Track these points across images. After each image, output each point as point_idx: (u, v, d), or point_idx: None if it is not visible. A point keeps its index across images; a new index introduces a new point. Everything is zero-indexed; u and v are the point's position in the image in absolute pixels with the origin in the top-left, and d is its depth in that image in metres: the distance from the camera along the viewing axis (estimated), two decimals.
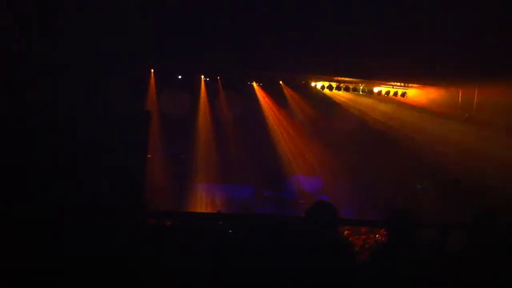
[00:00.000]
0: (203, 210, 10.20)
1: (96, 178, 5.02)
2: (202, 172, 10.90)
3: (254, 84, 11.09)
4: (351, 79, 10.33)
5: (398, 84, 10.43)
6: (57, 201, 3.65)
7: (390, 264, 2.98)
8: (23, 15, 5.77)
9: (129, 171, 5.65)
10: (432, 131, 9.71)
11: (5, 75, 5.56)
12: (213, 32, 7.63)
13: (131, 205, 3.20)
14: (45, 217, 3.14)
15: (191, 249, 3.10)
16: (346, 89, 10.55)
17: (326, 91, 10.66)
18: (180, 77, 10.21)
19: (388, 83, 10.48)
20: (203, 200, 10.66)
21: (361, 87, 10.63)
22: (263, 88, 11.18)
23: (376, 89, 10.72)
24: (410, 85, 10.42)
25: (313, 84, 10.71)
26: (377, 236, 7.07)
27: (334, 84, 10.42)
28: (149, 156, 8.28)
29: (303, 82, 10.71)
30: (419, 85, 10.36)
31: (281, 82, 10.89)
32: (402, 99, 10.48)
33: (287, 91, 11.00)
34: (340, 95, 11.09)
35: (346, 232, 7.08)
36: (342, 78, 10.30)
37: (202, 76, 10.73)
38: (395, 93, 10.47)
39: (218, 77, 10.68)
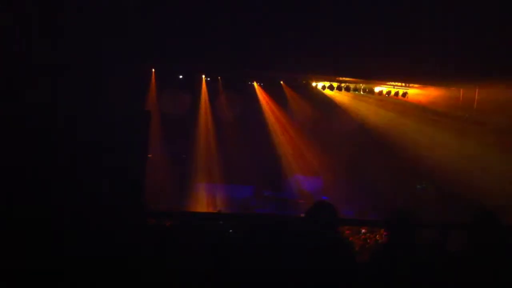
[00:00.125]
0: (203, 210, 10.20)
1: (96, 178, 5.02)
2: (202, 172, 10.91)
3: (255, 84, 11.10)
4: (351, 79, 10.33)
5: (399, 84, 10.43)
6: (57, 201, 3.65)
7: (390, 264, 2.98)
8: (23, 15, 5.77)
9: (129, 171, 5.67)
10: (432, 131, 9.73)
11: (5, 75, 5.56)
12: (213, 32, 7.62)
13: (131, 205, 3.20)
14: (45, 217, 3.14)
15: (191, 249, 3.10)
16: (347, 89, 10.56)
17: (327, 91, 10.67)
18: (181, 77, 10.22)
19: (389, 83, 10.48)
20: (203, 200, 10.66)
21: (361, 87, 10.64)
22: (263, 88, 11.19)
23: (376, 89, 10.72)
24: (410, 85, 10.42)
25: (313, 84, 10.71)
26: (377, 236, 7.07)
27: (335, 84, 10.42)
28: (149, 156, 8.28)
29: (304, 82, 10.71)
30: (419, 85, 10.37)
31: (281, 82, 10.89)
32: (402, 98, 10.48)
33: (287, 91, 11.00)
34: (341, 96, 11.09)
35: (346, 232, 7.08)
36: (343, 78, 10.30)
37: (203, 76, 10.74)
38: (396, 93, 10.48)
39: (219, 77, 10.69)
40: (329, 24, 7.44)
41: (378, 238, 6.98)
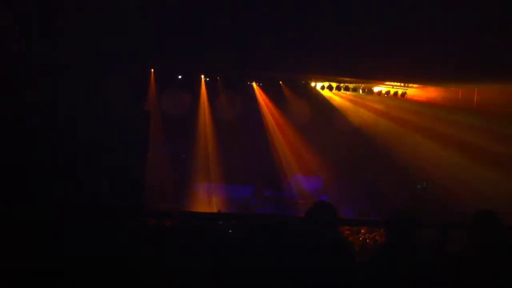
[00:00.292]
0: (203, 210, 10.20)
1: (96, 178, 5.02)
2: (202, 172, 10.91)
3: (254, 84, 11.10)
4: (351, 79, 10.33)
5: (398, 84, 10.43)
6: (57, 201, 3.65)
7: (390, 264, 2.97)
8: (23, 15, 5.77)
9: (129, 171, 5.67)
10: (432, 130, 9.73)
11: (5, 75, 5.56)
12: (213, 32, 7.62)
13: (131, 205, 3.20)
14: (45, 217, 3.14)
15: (191, 249, 3.10)
16: (346, 89, 10.56)
17: (326, 91, 10.67)
18: (180, 77, 10.22)
19: (388, 83, 10.49)
20: (203, 200, 10.65)
21: (361, 87, 10.64)
22: (262, 88, 11.19)
23: (376, 89, 10.72)
24: (410, 85, 10.43)
25: (313, 84, 10.71)
26: (376, 236, 7.07)
27: (334, 84, 10.42)
28: (149, 156, 8.29)
29: (303, 82, 10.71)
30: (419, 85, 10.37)
31: (280, 82, 10.89)
32: (402, 98, 10.49)
33: (286, 91, 11.01)
34: (340, 96, 11.10)
35: (346, 232, 7.07)
36: (342, 78, 10.31)
37: (202, 76, 10.74)
38: (395, 93, 10.48)
39: (218, 77, 10.69)
40: (329, 24, 7.44)
41: (377, 238, 6.98)
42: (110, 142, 6.06)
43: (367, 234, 7.22)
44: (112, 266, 2.84)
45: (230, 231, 3.72)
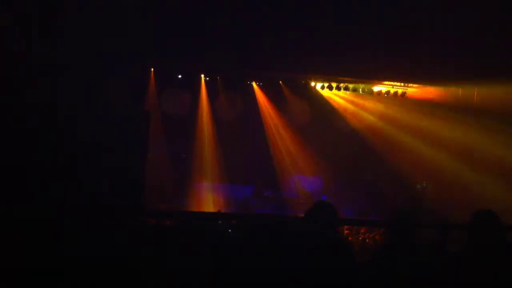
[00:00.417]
0: (203, 210, 10.20)
1: (96, 178, 5.02)
2: (202, 172, 10.91)
3: (254, 84, 11.10)
4: (351, 79, 10.33)
5: (398, 84, 10.43)
6: (57, 201, 3.65)
7: (390, 264, 2.97)
8: (23, 15, 5.77)
9: (129, 171, 5.67)
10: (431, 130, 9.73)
11: (5, 75, 5.56)
12: (213, 32, 7.62)
13: (131, 205, 3.20)
14: (45, 217, 3.14)
15: (191, 249, 3.10)
16: (346, 88, 10.56)
17: (326, 91, 10.67)
18: (180, 76, 10.21)
19: (388, 83, 10.49)
20: (203, 200, 10.65)
21: (360, 87, 10.63)
22: (262, 88, 11.19)
23: (375, 89, 10.72)
24: (410, 84, 10.43)
25: (312, 84, 10.71)
26: (376, 236, 7.07)
27: (334, 84, 10.42)
28: (149, 156, 8.28)
29: (303, 82, 10.71)
30: (419, 85, 10.37)
31: (280, 82, 10.89)
32: (402, 98, 10.49)
33: (286, 91, 11.00)
34: (339, 95, 11.09)
35: (346, 232, 7.07)
36: (342, 78, 10.30)
37: (202, 76, 10.73)
38: (395, 93, 10.48)
39: (218, 77, 10.68)
40: (329, 24, 7.44)
41: (377, 238, 6.98)
42: (110, 142, 6.05)
43: (367, 234, 7.22)
44: (112, 266, 2.84)
45: (229, 230, 3.72)
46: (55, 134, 5.59)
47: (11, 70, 5.63)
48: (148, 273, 2.91)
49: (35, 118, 5.48)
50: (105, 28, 6.67)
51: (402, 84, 10.42)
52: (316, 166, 11.10)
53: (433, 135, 9.72)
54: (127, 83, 7.46)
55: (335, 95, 11.13)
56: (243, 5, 7.25)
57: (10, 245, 2.93)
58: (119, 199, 3.17)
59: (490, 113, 8.48)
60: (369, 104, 11.02)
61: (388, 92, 10.58)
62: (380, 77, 10.06)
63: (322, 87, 10.62)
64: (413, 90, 10.52)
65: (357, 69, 8.91)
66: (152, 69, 10.05)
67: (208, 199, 10.66)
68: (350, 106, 11.13)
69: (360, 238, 7.09)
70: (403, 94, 10.43)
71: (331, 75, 10.14)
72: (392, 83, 10.41)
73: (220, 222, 4.41)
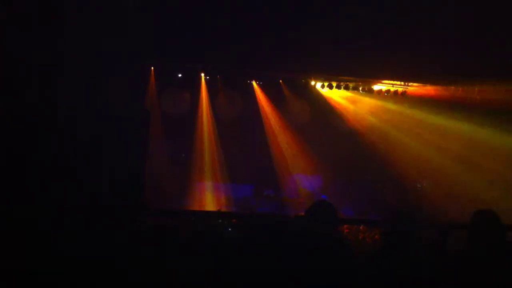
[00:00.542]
0: (203, 209, 10.20)
1: (96, 178, 5.02)
2: (202, 171, 10.91)
3: (254, 83, 11.10)
4: (351, 79, 10.33)
5: (398, 83, 10.43)
6: (57, 201, 3.65)
7: (390, 264, 2.97)
8: (23, 15, 5.77)
9: (129, 171, 5.67)
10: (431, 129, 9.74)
11: (5, 75, 5.56)
12: (213, 32, 7.62)
13: (131, 205, 3.20)
14: (45, 217, 3.14)
15: (191, 249, 3.10)
16: (346, 87, 10.55)
17: (326, 90, 10.66)
18: (180, 75, 10.20)
19: (388, 82, 10.49)
20: (203, 199, 10.66)
21: (360, 86, 10.63)
22: (262, 87, 11.19)
23: (376, 88, 10.72)
24: (410, 84, 10.43)
25: (312, 83, 10.71)
26: (375, 236, 7.07)
27: (334, 83, 10.42)
28: (149, 156, 8.29)
29: (303, 81, 10.71)
30: (419, 84, 10.38)
31: (280, 81, 10.89)
32: (402, 97, 10.49)
33: (286, 90, 11.00)
34: (339, 95, 11.09)
35: (345, 231, 7.07)
36: (342, 78, 10.30)
37: (202, 75, 10.72)
38: (396, 92, 10.48)
39: (218, 76, 10.68)
40: (329, 24, 7.44)
41: (377, 238, 6.98)
42: (110, 142, 6.05)
43: (367, 233, 7.22)
44: (112, 266, 2.85)
45: (229, 229, 3.72)
46: (55, 134, 5.59)
47: (11, 70, 5.62)
48: (148, 273, 2.91)
49: (35, 118, 5.48)
50: (105, 28, 6.66)
51: (402, 83, 10.42)
52: (316, 166, 11.11)
53: (433, 135, 9.73)
54: (127, 82, 7.46)
55: (335, 94, 11.12)
56: (243, 5, 7.24)
57: (10, 245, 2.93)
58: (119, 199, 3.17)
59: (491, 111, 8.49)
60: (369, 103, 11.02)
61: (388, 91, 10.58)
62: (380, 77, 10.06)
63: (322, 86, 10.62)
64: (414, 88, 10.52)
65: (357, 69, 8.91)
66: (152, 68, 10.05)
67: (208, 199, 10.67)
68: (350, 106, 11.13)
69: (360, 238, 7.09)
70: (404, 93, 10.42)
71: (331, 74, 10.14)
72: (392, 82, 10.41)
73: (220, 221, 4.41)
